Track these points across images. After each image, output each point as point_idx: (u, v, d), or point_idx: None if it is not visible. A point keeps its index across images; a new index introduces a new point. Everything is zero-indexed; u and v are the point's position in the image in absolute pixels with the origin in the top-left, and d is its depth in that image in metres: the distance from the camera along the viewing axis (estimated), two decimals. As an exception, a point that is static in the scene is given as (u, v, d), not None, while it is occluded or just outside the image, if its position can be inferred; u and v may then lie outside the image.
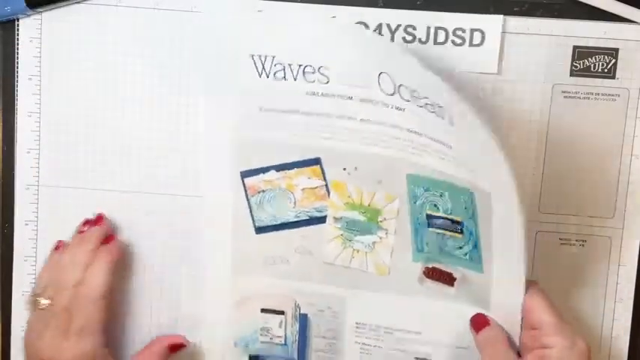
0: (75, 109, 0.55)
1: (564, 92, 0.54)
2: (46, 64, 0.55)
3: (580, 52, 0.54)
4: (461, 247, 0.51)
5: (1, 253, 0.57)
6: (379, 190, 0.52)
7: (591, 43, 0.54)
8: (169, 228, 0.56)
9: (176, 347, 0.55)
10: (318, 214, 0.54)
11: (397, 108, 0.48)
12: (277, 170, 0.54)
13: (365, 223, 0.53)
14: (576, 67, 0.54)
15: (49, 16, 0.54)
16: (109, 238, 0.54)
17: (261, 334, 0.56)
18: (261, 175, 0.54)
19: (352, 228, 0.54)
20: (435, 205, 0.51)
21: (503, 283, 0.49)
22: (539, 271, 0.56)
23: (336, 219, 0.54)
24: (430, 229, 0.51)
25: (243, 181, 0.54)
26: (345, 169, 0.53)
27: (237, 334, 0.56)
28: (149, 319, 0.57)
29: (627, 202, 0.55)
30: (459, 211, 0.50)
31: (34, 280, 0.56)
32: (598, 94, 0.54)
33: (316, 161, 0.53)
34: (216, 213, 0.55)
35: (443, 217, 0.51)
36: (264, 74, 0.51)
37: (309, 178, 0.53)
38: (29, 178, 0.56)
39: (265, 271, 0.55)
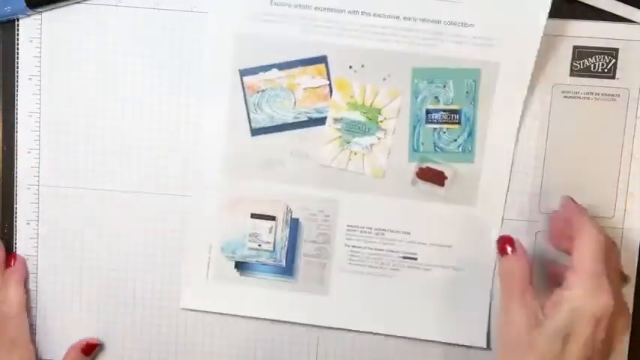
0: (75, 109, 0.55)
1: (564, 92, 0.54)
2: (46, 64, 0.55)
3: (580, 52, 0.54)
4: (455, 140, 0.54)
5: (1, 252, 0.57)
6: (383, 86, 0.53)
7: (591, 43, 0.54)
8: (169, 228, 0.56)
9: (90, 348, 0.56)
10: (317, 115, 0.54)
11: None
12: (280, 69, 0.54)
13: (365, 123, 0.54)
14: (576, 67, 0.54)
15: (49, 16, 0.54)
16: (12, 258, 0.56)
17: (249, 240, 0.56)
18: (262, 73, 0.54)
19: (351, 129, 0.54)
20: (436, 98, 0.53)
21: (491, 171, 0.54)
22: (539, 270, 0.55)
23: (336, 120, 0.54)
24: (427, 125, 0.54)
25: (242, 79, 0.54)
26: (351, 66, 0.53)
27: (225, 240, 0.56)
28: (149, 319, 0.57)
29: (627, 202, 0.55)
30: (460, 97, 0.53)
31: (35, 280, 0.57)
32: (598, 94, 0.54)
33: (322, 59, 0.53)
34: (212, 112, 0.55)
35: (442, 110, 0.53)
36: None
37: (312, 77, 0.54)
38: (29, 178, 0.56)
39: (259, 174, 0.55)
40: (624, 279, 0.50)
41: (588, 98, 0.54)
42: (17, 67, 0.55)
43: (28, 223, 0.56)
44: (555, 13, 0.53)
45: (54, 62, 0.55)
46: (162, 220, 0.56)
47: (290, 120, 0.54)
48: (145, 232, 0.56)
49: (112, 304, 0.57)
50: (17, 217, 0.56)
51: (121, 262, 0.57)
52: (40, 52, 0.55)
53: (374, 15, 0.52)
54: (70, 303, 0.57)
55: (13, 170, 0.56)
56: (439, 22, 0.52)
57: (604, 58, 0.54)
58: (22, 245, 0.56)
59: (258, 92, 0.54)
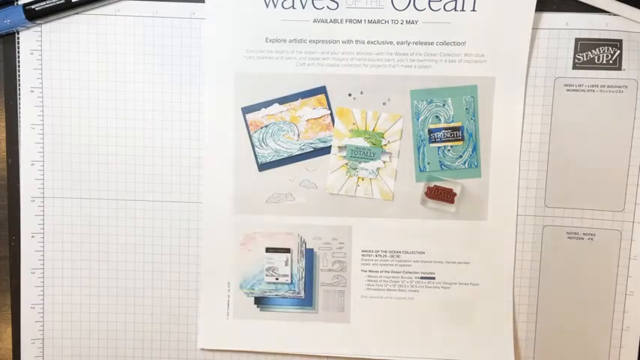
0: (77, 119, 0.55)
1: (567, 85, 0.53)
2: (48, 75, 0.55)
3: (582, 45, 0.53)
4: (461, 156, 0.55)
5: (9, 265, 0.57)
6: (384, 111, 0.54)
7: (594, 35, 0.53)
8: (175, 233, 0.56)
9: None
10: (322, 145, 0.55)
11: (409, 22, 0.53)
12: (281, 103, 0.54)
13: (369, 148, 0.55)
14: (579, 59, 0.53)
15: (48, 28, 0.55)
16: None
17: (266, 275, 0.56)
18: (264, 109, 0.54)
19: (357, 155, 0.55)
20: (437, 117, 0.54)
21: (499, 184, 0.55)
22: (546, 265, 0.55)
23: (340, 148, 0.55)
24: (431, 144, 0.54)
25: (244, 117, 0.55)
26: (350, 94, 0.54)
27: (242, 277, 0.56)
28: (151, 326, 0.57)
29: (638, 194, 0.54)
30: (460, 114, 0.54)
31: (42, 293, 0.56)
32: (604, 86, 0.54)
33: (322, 90, 0.54)
34: (217, 152, 0.55)
35: (444, 128, 0.54)
36: (271, 4, 0.53)
37: (313, 108, 0.54)
38: (34, 190, 0.56)
39: (270, 208, 0.56)
40: None
41: (593, 91, 0.54)
42: (19, 80, 0.55)
43: (33, 236, 0.56)
44: (555, 6, 0.53)
45: (55, 73, 0.55)
46: (171, 227, 0.56)
47: (295, 152, 0.55)
48: (154, 240, 0.56)
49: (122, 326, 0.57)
50: (23, 230, 0.56)
51: (130, 279, 0.57)
52: (40, 63, 0.55)
53: (368, 42, 0.53)
54: (78, 323, 0.57)
55: (18, 183, 0.56)
56: (431, 43, 0.53)
57: (608, 49, 0.53)
58: (29, 258, 0.56)
59: (261, 128, 0.55)
